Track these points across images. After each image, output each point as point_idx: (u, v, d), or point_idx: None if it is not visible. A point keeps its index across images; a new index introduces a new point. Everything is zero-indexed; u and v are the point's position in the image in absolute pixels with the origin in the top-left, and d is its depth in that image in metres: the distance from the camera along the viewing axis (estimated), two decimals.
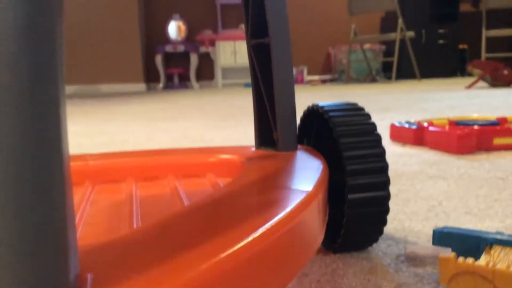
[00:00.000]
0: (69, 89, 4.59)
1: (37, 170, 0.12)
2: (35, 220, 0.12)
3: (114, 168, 0.40)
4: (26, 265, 0.12)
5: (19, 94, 0.11)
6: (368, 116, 0.37)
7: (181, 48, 4.81)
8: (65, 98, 0.13)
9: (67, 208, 0.13)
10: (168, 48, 4.81)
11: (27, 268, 0.12)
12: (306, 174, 0.29)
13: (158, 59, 4.81)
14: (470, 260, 0.27)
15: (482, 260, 0.27)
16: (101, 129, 1.38)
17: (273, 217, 0.20)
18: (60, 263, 0.13)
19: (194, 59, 4.85)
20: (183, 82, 4.96)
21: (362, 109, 0.38)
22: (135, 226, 0.27)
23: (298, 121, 0.40)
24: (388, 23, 4.72)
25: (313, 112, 0.40)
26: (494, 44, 4.30)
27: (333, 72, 4.96)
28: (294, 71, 4.84)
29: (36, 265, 0.12)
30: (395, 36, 3.78)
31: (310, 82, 4.86)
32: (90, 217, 0.30)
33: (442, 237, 0.32)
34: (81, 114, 1.96)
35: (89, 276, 0.15)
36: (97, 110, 2.15)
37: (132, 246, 0.17)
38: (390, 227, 0.43)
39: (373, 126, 0.36)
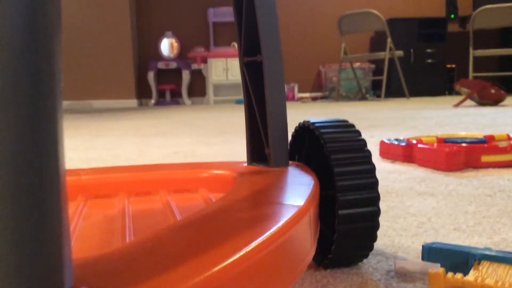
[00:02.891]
0: None
1: (33, 183, 0.12)
2: (30, 233, 0.12)
3: (107, 183, 0.40)
4: (21, 277, 0.12)
5: (18, 108, 0.12)
6: (358, 132, 0.38)
7: (173, 65, 4.83)
8: (62, 112, 0.14)
9: (63, 221, 0.13)
10: (161, 65, 4.83)
11: (21, 281, 0.12)
12: (297, 189, 0.29)
13: (150, 76, 4.83)
14: (459, 275, 0.28)
15: (471, 276, 0.28)
16: (92, 144, 1.38)
17: (265, 232, 0.21)
18: (54, 276, 0.13)
19: (186, 76, 4.87)
20: (175, 99, 4.97)
21: (352, 125, 0.39)
22: (127, 240, 0.27)
23: (289, 137, 0.41)
24: (377, 43, 4.79)
25: (305, 129, 0.41)
26: (481, 63, 4.38)
27: (323, 90, 5.00)
28: (285, 88, 4.87)
29: (31, 278, 0.12)
30: (384, 55, 3.83)
31: (301, 99, 4.89)
32: (83, 231, 0.30)
33: (431, 252, 0.33)
34: (73, 129, 1.95)
35: None
36: (89, 126, 2.15)
37: (126, 259, 0.18)
38: (380, 243, 0.43)
39: (364, 142, 0.37)
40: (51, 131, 0.13)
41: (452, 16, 4.81)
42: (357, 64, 4.60)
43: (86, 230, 0.30)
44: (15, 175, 0.12)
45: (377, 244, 0.42)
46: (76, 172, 0.41)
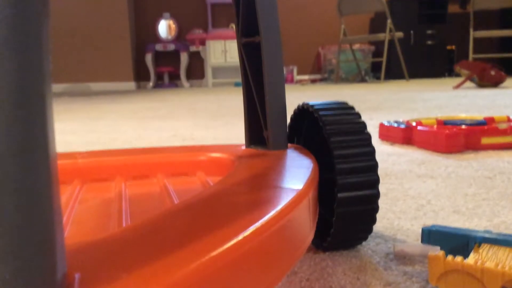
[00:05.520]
0: (59, 87, 4.55)
1: (22, 168, 0.12)
2: (20, 219, 0.12)
3: (103, 166, 0.40)
4: (10, 264, 0.11)
5: (3, 91, 0.11)
6: (358, 115, 0.37)
7: (171, 47, 4.79)
8: (51, 95, 0.13)
9: (54, 206, 0.13)
10: (158, 47, 4.79)
11: (11, 268, 0.11)
12: (296, 172, 0.29)
13: (148, 58, 4.79)
14: (459, 258, 0.28)
15: (471, 259, 0.27)
16: (90, 127, 1.37)
17: (263, 216, 0.20)
18: (46, 263, 0.12)
19: (184, 58, 4.83)
20: (173, 81, 4.94)
21: (352, 107, 0.38)
22: (124, 225, 0.27)
23: (288, 120, 0.40)
24: (377, 24, 4.75)
25: (303, 111, 0.40)
26: (482, 45, 4.34)
27: (322, 72, 4.97)
28: (284, 70, 4.85)
29: (21, 265, 0.12)
30: (384, 36, 3.80)
31: (300, 81, 4.87)
32: (79, 215, 0.30)
33: (431, 235, 0.32)
34: (71, 112, 1.94)
35: (77, 276, 0.14)
36: (87, 109, 2.14)
37: (121, 245, 0.17)
38: (379, 226, 0.43)
39: (363, 125, 0.36)
40: (40, 113, 0.12)
41: None
42: (356, 46, 4.57)
43: (82, 214, 0.30)
44: (2, 159, 0.11)
45: (376, 227, 0.42)
46: (72, 155, 0.41)
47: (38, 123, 0.12)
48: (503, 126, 0.82)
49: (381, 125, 0.95)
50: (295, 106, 0.41)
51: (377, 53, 4.53)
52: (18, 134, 0.12)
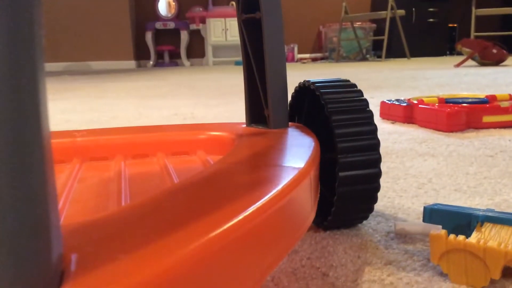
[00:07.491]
0: (59, 66, 4.52)
1: (14, 146, 0.11)
2: (12, 199, 0.11)
3: (103, 145, 0.39)
4: (4, 245, 0.11)
5: None
6: (360, 92, 0.37)
7: (171, 25, 4.74)
8: (44, 70, 0.13)
9: (48, 185, 0.12)
10: (158, 25, 4.74)
11: (4, 249, 0.11)
12: (298, 151, 0.28)
13: (148, 36, 4.74)
14: (461, 237, 0.27)
15: (473, 238, 0.27)
16: (90, 106, 1.36)
17: (265, 195, 0.20)
18: (40, 243, 0.12)
19: (184, 37, 4.78)
20: (174, 60, 4.90)
21: (354, 85, 0.38)
22: (123, 204, 0.27)
23: (289, 98, 0.39)
24: (378, 2, 4.68)
25: (305, 89, 0.39)
26: (484, 22, 4.29)
27: (323, 51, 4.92)
28: (285, 49, 4.80)
29: (15, 246, 0.11)
30: (386, 14, 3.75)
31: (300, 60, 4.83)
32: (78, 194, 0.30)
33: (433, 214, 0.32)
34: (71, 91, 1.93)
35: (73, 257, 0.14)
36: (87, 87, 2.12)
37: (119, 224, 0.17)
38: (380, 204, 0.43)
39: (365, 103, 0.36)
40: (32, 89, 0.12)
41: None
42: (358, 24, 4.51)
43: (81, 194, 0.30)
44: None
45: (377, 205, 0.42)
46: (71, 133, 0.40)
47: (30, 98, 0.12)
48: (504, 104, 0.82)
49: (383, 104, 0.94)
50: (296, 85, 0.40)
51: (379, 31, 4.47)
52: (8, 110, 0.11)
